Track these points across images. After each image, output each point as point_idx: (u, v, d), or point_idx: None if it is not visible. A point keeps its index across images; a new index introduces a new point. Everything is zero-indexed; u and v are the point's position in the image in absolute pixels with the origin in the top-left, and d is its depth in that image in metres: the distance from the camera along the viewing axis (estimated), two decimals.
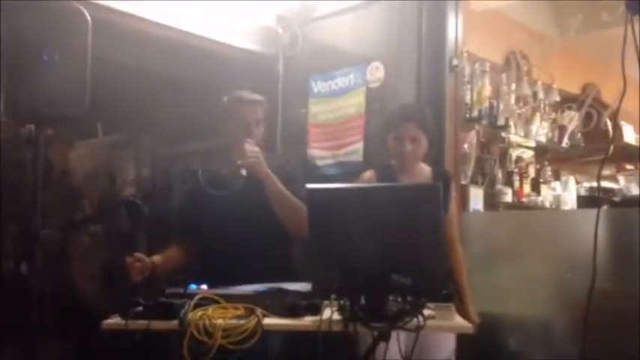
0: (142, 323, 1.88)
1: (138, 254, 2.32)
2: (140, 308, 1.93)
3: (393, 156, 2.64)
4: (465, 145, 3.57)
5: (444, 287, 1.88)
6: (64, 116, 2.45)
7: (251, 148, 2.42)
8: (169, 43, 3.40)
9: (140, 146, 4.66)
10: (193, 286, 2.06)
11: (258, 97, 2.62)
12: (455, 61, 3.27)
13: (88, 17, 2.41)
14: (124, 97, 3.97)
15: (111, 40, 3.03)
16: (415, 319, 1.80)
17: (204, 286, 2.06)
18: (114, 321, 1.93)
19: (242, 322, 1.82)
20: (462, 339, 2.39)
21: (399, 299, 1.85)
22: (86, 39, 2.41)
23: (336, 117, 3.59)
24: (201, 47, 3.50)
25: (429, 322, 1.82)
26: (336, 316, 1.84)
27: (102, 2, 2.96)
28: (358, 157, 3.43)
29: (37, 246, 2.50)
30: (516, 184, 4.25)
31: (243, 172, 2.39)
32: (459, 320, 1.95)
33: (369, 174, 2.68)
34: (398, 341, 1.84)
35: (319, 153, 3.64)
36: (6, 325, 3.67)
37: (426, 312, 1.84)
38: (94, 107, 2.47)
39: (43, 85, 2.34)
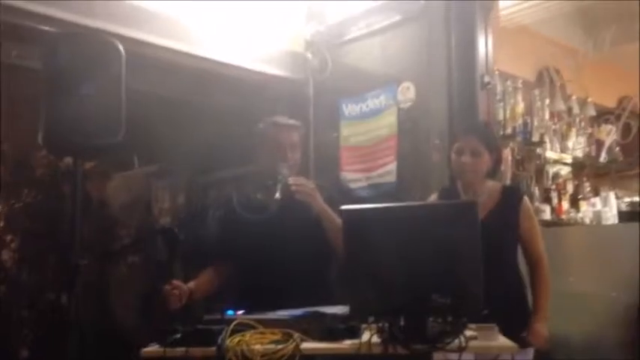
0: (180, 350, 1.88)
1: (175, 281, 2.34)
2: (178, 335, 1.93)
3: (455, 172, 2.55)
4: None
5: (484, 307, 1.82)
6: (101, 147, 2.49)
7: (302, 180, 2.42)
8: (201, 73, 3.46)
9: (175, 175, 4.72)
10: (230, 312, 2.06)
11: (293, 121, 2.63)
12: (486, 78, 3.24)
13: (122, 50, 2.46)
14: (158, 127, 4.04)
15: (144, 72, 3.10)
16: (457, 340, 1.76)
17: (241, 312, 2.06)
18: (152, 349, 1.93)
19: (280, 346, 1.80)
20: None
21: (439, 320, 1.82)
22: (120, 71, 2.46)
23: (368, 139, 3.58)
24: (231, 76, 3.55)
25: (472, 343, 1.78)
26: (376, 339, 1.81)
27: (134, 35, 3.03)
28: (392, 178, 3.41)
29: (76, 276, 2.53)
30: (554, 201, 4.18)
31: (278, 195, 2.39)
32: (502, 340, 1.90)
33: (433, 197, 2.63)
34: None
35: (352, 176, 3.63)
36: (47, 355, 3.72)
37: (468, 332, 1.80)
38: (130, 139, 2.51)
39: (79, 118, 2.38)
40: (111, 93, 2.44)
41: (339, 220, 2.38)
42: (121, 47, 2.46)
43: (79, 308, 2.51)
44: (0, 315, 4.15)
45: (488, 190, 2.53)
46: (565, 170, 4.40)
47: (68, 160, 2.76)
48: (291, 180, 2.40)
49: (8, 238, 4.73)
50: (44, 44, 2.44)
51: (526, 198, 2.60)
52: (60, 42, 2.44)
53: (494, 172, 2.59)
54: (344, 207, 1.94)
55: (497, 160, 2.59)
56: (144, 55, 3.07)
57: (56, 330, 2.78)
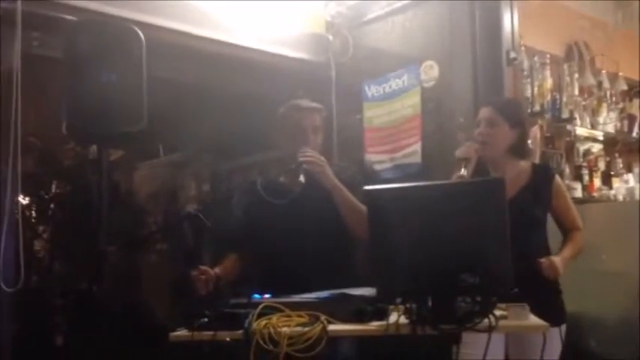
0: (207, 334, 1.89)
1: (202, 267, 2.35)
2: (205, 319, 1.93)
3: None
4: (529, 141, 3.44)
5: (513, 285, 1.78)
6: (124, 135, 2.50)
7: (315, 153, 2.40)
8: (222, 58, 3.44)
9: (200, 162, 4.75)
10: (256, 296, 2.05)
11: (315, 104, 2.60)
12: (512, 54, 3.16)
13: (142, 36, 2.46)
14: (182, 115, 4.06)
15: (165, 59, 3.10)
16: (486, 320, 1.72)
17: (267, 296, 2.05)
18: (181, 333, 1.94)
19: (307, 329, 1.79)
20: None
21: (468, 300, 1.78)
22: (141, 58, 2.46)
23: (392, 120, 3.54)
24: (253, 60, 3.53)
25: (502, 323, 1.74)
26: (403, 320, 1.79)
27: (155, 22, 3.02)
28: (416, 159, 3.37)
29: (103, 263, 2.56)
30: (586, 178, 4.08)
31: (302, 179, 2.37)
32: (533, 319, 1.86)
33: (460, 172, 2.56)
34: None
35: (376, 157, 3.60)
36: (81, 342, 3.79)
37: (498, 312, 1.77)
38: (154, 127, 2.52)
39: (101, 106, 2.40)
40: (132, 80, 2.45)
41: (351, 197, 2.38)
42: (141, 34, 2.47)
43: (107, 295, 2.54)
44: (34, 304, 4.23)
45: (518, 169, 2.48)
46: (596, 147, 4.30)
47: (94, 149, 2.77)
48: (301, 154, 2.37)
49: (40, 228, 4.83)
50: (65, 33, 2.45)
51: (557, 176, 2.55)
52: (80, 30, 2.46)
53: (520, 149, 2.51)
54: (367, 187, 1.91)
55: (522, 136, 2.52)
56: (165, 42, 3.07)
57: (89, 317, 2.82)
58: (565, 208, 2.50)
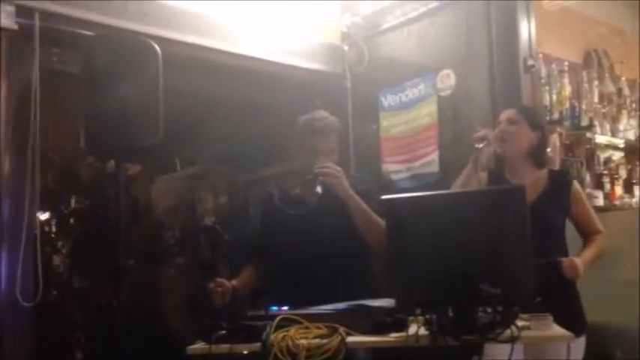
0: (225, 347, 1.88)
1: (219, 279, 2.35)
2: (223, 332, 1.92)
3: (496, 149, 2.48)
4: (548, 149, 3.39)
5: (535, 295, 1.75)
6: (141, 148, 2.50)
7: (330, 163, 2.39)
8: (238, 71, 3.45)
9: (217, 175, 4.75)
10: (274, 308, 2.03)
11: (331, 122, 2.55)
12: (530, 62, 3.13)
13: (158, 50, 2.47)
14: (199, 128, 4.07)
15: (182, 72, 3.12)
16: (508, 330, 1.68)
17: (284, 308, 2.03)
18: (198, 346, 1.93)
19: (325, 341, 1.77)
20: None
21: (489, 310, 1.75)
22: (157, 71, 2.47)
23: (409, 129, 3.51)
24: (268, 72, 3.53)
25: (524, 333, 1.70)
26: (423, 331, 1.76)
27: (171, 36, 3.04)
28: (434, 168, 3.34)
29: (122, 276, 2.56)
30: (607, 186, 4.02)
31: (318, 189, 2.36)
32: (557, 330, 1.82)
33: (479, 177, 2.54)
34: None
35: (394, 167, 3.57)
36: (100, 356, 3.78)
37: (520, 322, 1.73)
38: (171, 140, 2.52)
39: (118, 120, 2.41)
40: (149, 93, 2.46)
41: (366, 208, 2.36)
42: (157, 48, 2.48)
43: (126, 309, 2.54)
44: (53, 319, 4.25)
45: (536, 175, 2.46)
46: (617, 154, 4.23)
47: (112, 164, 2.78)
48: (317, 165, 2.36)
49: (59, 243, 4.85)
50: (82, 48, 2.47)
51: (575, 181, 2.53)
52: (97, 45, 2.48)
53: (539, 155, 2.49)
54: (384, 197, 1.89)
55: (542, 141, 2.51)
56: (181, 56, 3.09)
57: (108, 332, 2.82)
58: (584, 213, 2.48)
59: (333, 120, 2.57)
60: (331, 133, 2.52)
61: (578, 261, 2.29)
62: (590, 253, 2.40)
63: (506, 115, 2.50)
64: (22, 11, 2.68)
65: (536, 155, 2.49)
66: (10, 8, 2.63)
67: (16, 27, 2.65)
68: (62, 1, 2.76)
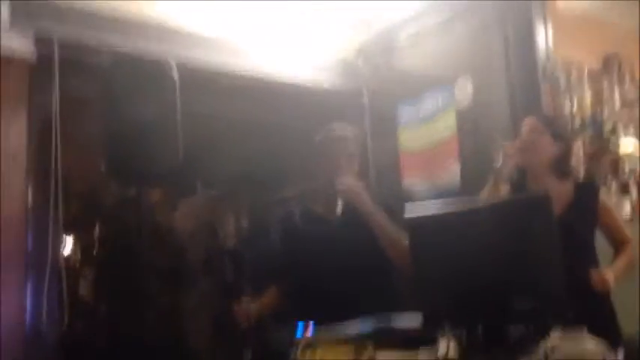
0: None
1: (243, 301, 2.33)
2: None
3: (518, 160, 2.43)
4: (572, 159, 3.33)
5: (569, 308, 1.69)
6: (161, 172, 2.51)
7: (351, 180, 2.37)
8: (254, 91, 3.47)
9: (237, 197, 4.75)
10: (300, 326, 2.01)
11: (348, 131, 2.57)
12: (549, 69, 3.08)
13: (176, 74, 2.49)
14: (218, 150, 4.08)
15: (200, 95, 3.13)
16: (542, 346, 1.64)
17: (311, 325, 2.00)
18: None
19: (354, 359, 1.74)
20: None
21: (520, 325, 1.70)
22: (175, 95, 2.49)
23: (428, 142, 3.48)
24: (286, 91, 3.55)
25: (558, 348, 1.65)
26: (453, 348, 1.71)
27: (187, 58, 3.06)
28: (455, 181, 3.30)
29: (147, 302, 2.56)
30: (634, 195, 3.93)
31: (339, 206, 2.34)
32: (592, 344, 1.76)
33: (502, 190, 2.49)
34: None
35: (414, 181, 3.54)
36: None
37: (553, 337, 1.67)
38: (191, 163, 2.52)
39: (138, 145, 2.42)
40: (167, 117, 2.48)
41: (388, 223, 2.32)
42: (175, 71, 2.49)
43: (152, 334, 2.53)
44: (81, 347, 4.25)
45: (561, 188, 2.37)
46: None
47: (134, 190, 2.79)
48: (338, 180, 2.34)
49: (85, 272, 4.88)
50: (101, 74, 2.49)
51: (602, 191, 2.49)
52: (115, 70, 2.50)
53: (562, 167, 2.43)
54: (407, 215, 1.86)
55: (566, 152, 2.45)
56: (198, 77, 3.10)
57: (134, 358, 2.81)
58: (613, 223, 2.41)
59: (350, 128, 2.59)
60: (349, 139, 2.53)
61: (609, 273, 2.22)
62: (621, 263, 2.33)
63: (527, 124, 2.44)
64: (41, 41, 2.71)
65: (560, 166, 2.42)
66: (29, 38, 2.67)
67: (35, 56, 2.69)
68: (80, 29, 2.80)
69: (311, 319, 2.05)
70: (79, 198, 4.40)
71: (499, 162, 2.39)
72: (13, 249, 2.59)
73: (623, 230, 2.43)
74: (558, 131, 2.45)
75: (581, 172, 3.43)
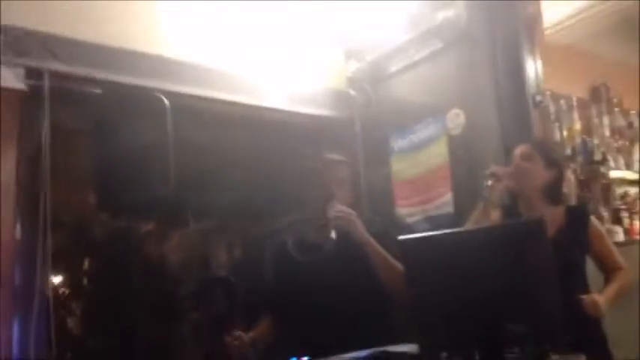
0: None
1: (236, 332, 2.29)
2: None
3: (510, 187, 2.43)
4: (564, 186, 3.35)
5: (566, 332, 1.68)
6: (151, 201, 2.49)
7: (344, 208, 2.35)
8: (245, 121, 3.46)
9: (230, 228, 4.72)
10: (294, 359, 1.97)
11: (340, 158, 2.59)
12: (538, 97, 3.11)
13: (167, 103, 2.48)
14: (209, 180, 4.06)
15: (189, 124, 3.12)
16: None
17: (305, 359, 1.96)
18: None
19: None
20: None
21: (517, 350, 1.68)
22: (166, 124, 2.47)
23: (421, 170, 3.48)
24: (276, 120, 3.54)
25: None
26: None
27: (178, 88, 3.06)
28: (449, 209, 3.28)
29: (137, 335, 2.51)
30: (626, 221, 3.94)
31: (333, 235, 2.32)
32: None
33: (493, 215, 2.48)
34: None
35: (408, 210, 3.52)
36: None
37: None
38: (183, 194, 2.50)
39: (129, 173, 2.40)
40: (158, 146, 2.46)
41: (382, 251, 2.31)
42: (165, 101, 2.49)
43: None
44: None
45: (552, 212, 2.37)
46: (633, 190, 4.17)
47: (124, 222, 2.76)
48: (330, 208, 2.33)
49: (73, 305, 4.80)
50: (90, 105, 2.49)
51: (593, 217, 2.47)
52: (106, 101, 2.50)
53: (554, 193, 2.44)
54: (401, 237, 1.85)
55: (558, 179, 2.45)
56: (190, 108, 3.10)
57: None
58: (605, 248, 2.40)
59: (342, 156, 2.60)
60: (341, 165, 2.55)
61: (600, 298, 2.21)
62: (612, 289, 2.31)
63: (520, 150, 2.45)
64: (32, 72, 2.71)
65: (552, 192, 2.42)
66: (19, 70, 2.67)
67: (25, 88, 2.68)
68: (71, 61, 2.80)
69: (305, 351, 2.02)
70: (68, 229, 4.36)
71: (489, 186, 2.39)
72: (1, 281, 2.55)
73: (614, 256, 2.41)
74: (551, 157, 2.45)
75: (573, 199, 3.44)
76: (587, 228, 2.37)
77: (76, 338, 4.63)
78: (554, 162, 2.45)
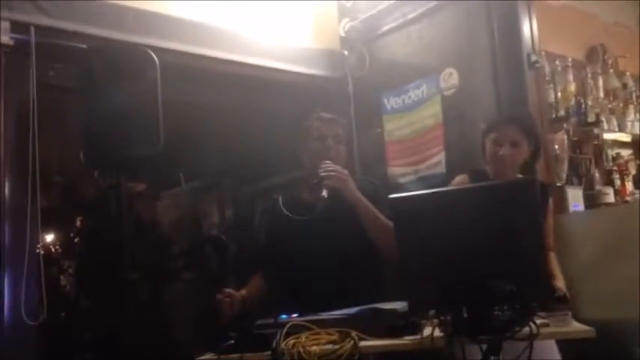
0: (234, 357, 1.83)
1: (227, 290, 2.30)
2: (232, 341, 1.87)
3: (489, 160, 2.46)
4: (556, 147, 3.35)
5: (553, 289, 1.69)
6: (141, 159, 2.46)
7: (337, 167, 2.34)
8: (239, 79, 3.42)
9: (221, 188, 4.71)
10: (284, 316, 1.98)
11: (336, 116, 2.56)
12: (534, 57, 3.08)
13: (156, 59, 2.43)
14: (201, 139, 4.04)
15: (182, 82, 3.08)
16: (527, 328, 1.63)
17: (294, 315, 1.98)
18: (207, 357, 1.88)
19: (337, 346, 1.72)
20: (581, 350, 2.15)
21: (506, 308, 1.69)
22: (156, 81, 2.43)
23: (413, 131, 3.47)
24: (270, 79, 3.50)
25: (544, 330, 1.65)
26: (438, 333, 1.70)
27: (168, 45, 3.01)
28: (441, 169, 3.28)
29: (129, 293, 2.51)
30: (617, 182, 3.95)
31: (325, 194, 2.31)
32: (576, 325, 1.76)
33: (460, 178, 2.51)
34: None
35: (400, 170, 3.52)
36: None
37: (539, 320, 1.67)
38: (174, 154, 2.48)
39: (117, 131, 2.36)
40: (147, 103, 2.41)
41: (375, 210, 2.31)
42: (154, 57, 2.44)
43: (134, 325, 2.49)
44: (62, 340, 4.20)
45: None
46: (625, 151, 4.17)
47: (115, 181, 2.74)
48: (322, 166, 2.31)
49: (65, 264, 4.82)
50: (78, 61, 2.44)
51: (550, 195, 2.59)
52: (93, 56, 2.44)
53: (530, 165, 2.48)
54: (392, 195, 1.84)
55: (536, 152, 2.48)
56: (180, 65, 3.05)
57: (117, 350, 2.77)
58: (549, 230, 2.49)
59: (339, 117, 2.58)
60: (338, 123, 2.52)
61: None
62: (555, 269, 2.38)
63: (508, 136, 2.41)
64: (18, 26, 2.65)
65: (528, 166, 2.47)
66: (5, 24, 2.60)
67: (11, 42, 2.62)
68: (58, 15, 2.73)
69: (296, 308, 2.03)
70: (58, 188, 4.35)
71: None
72: None
73: (551, 235, 2.49)
74: (532, 132, 2.46)
75: (565, 161, 3.44)
76: (547, 206, 2.47)
77: (68, 296, 4.66)
78: (535, 138, 2.47)
